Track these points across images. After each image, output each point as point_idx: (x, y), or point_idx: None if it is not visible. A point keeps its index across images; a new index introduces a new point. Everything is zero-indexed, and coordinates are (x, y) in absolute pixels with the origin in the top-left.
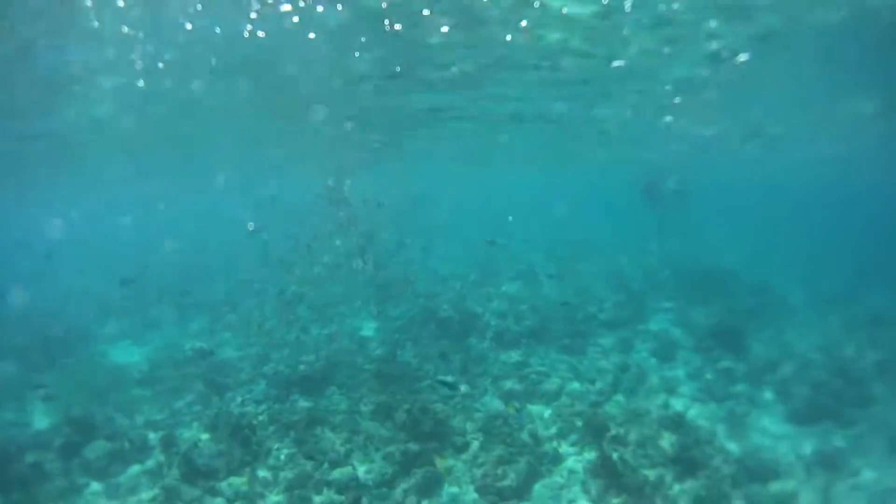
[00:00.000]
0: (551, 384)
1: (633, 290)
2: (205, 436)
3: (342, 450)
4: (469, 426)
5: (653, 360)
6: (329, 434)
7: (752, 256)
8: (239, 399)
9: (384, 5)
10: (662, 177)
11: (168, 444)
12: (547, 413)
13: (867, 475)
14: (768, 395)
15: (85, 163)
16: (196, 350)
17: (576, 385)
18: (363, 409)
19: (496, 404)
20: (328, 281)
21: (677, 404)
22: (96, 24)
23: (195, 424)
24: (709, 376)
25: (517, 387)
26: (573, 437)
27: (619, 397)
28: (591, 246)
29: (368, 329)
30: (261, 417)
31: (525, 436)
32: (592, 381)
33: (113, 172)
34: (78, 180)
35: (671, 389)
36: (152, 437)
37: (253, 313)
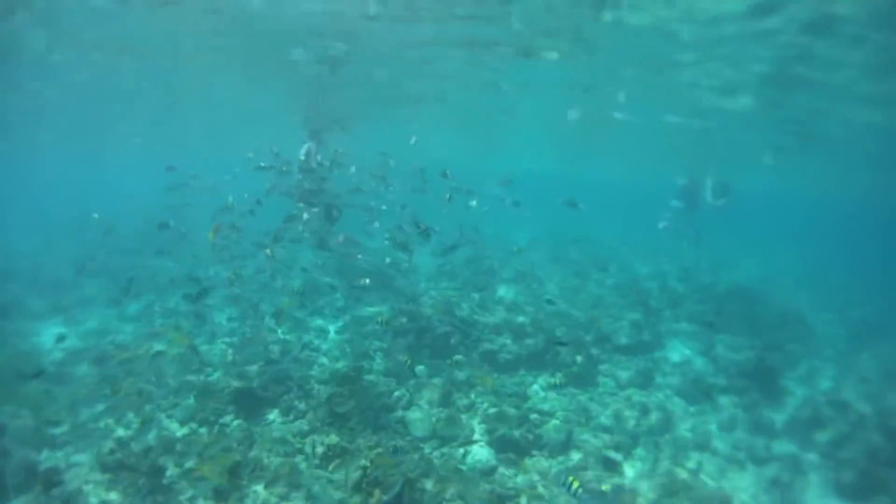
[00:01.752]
0: (556, 432)
1: (651, 307)
2: (96, 475)
3: None
4: (449, 491)
5: (677, 402)
6: (260, 490)
7: (770, 269)
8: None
9: None
10: (700, 178)
11: (49, 482)
12: (552, 473)
13: None
14: (813, 457)
15: None
16: (119, 346)
17: (586, 435)
18: (308, 449)
19: (485, 455)
20: (287, 270)
21: (711, 467)
22: None
23: (89, 457)
24: (744, 429)
25: (514, 432)
26: None
27: (641, 454)
28: (604, 249)
29: (331, 333)
30: (177, 447)
31: None
32: (608, 429)
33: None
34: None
35: (703, 445)
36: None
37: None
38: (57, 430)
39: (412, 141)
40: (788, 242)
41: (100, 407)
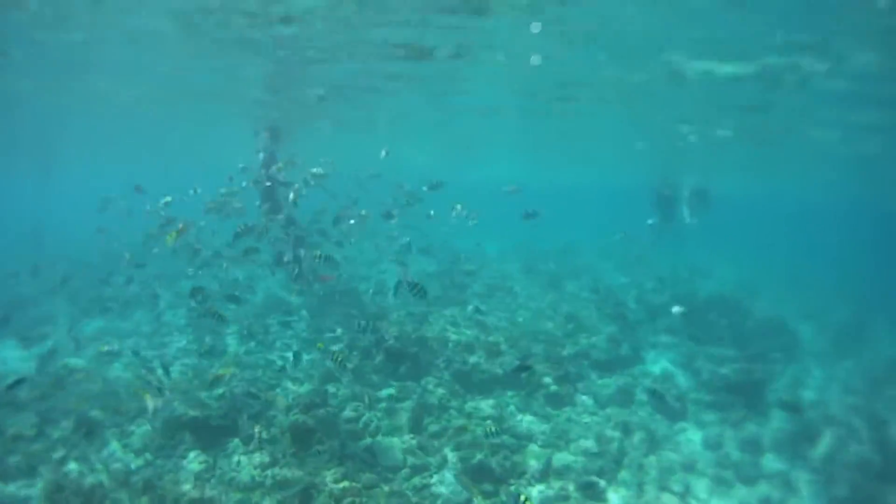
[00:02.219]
0: (534, 457)
1: (629, 320)
2: None
3: None
4: None
5: (659, 419)
6: None
7: (745, 275)
8: (109, 449)
9: None
10: (676, 182)
11: None
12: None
13: None
14: (803, 473)
15: None
16: (72, 369)
17: (567, 457)
18: (268, 482)
19: (456, 489)
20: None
21: (700, 489)
22: None
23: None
24: (732, 447)
25: (489, 459)
26: None
27: (626, 477)
28: (577, 258)
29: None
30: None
31: None
32: (589, 453)
33: None
34: None
35: (689, 466)
36: None
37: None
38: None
39: (383, 154)
40: (760, 246)
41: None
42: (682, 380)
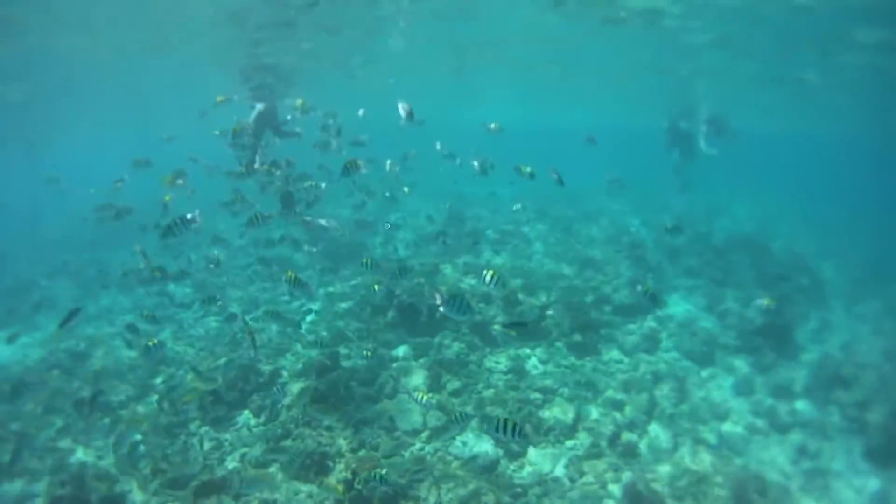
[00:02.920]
0: (561, 412)
1: (649, 263)
2: None
3: None
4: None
5: (687, 365)
6: None
7: (763, 214)
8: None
9: None
10: (692, 113)
11: None
12: (560, 468)
13: None
14: (837, 420)
15: None
16: (72, 354)
17: (595, 411)
18: (283, 457)
19: (484, 448)
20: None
21: (734, 439)
22: None
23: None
24: (763, 393)
25: (514, 417)
26: None
27: (657, 430)
28: (589, 198)
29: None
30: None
31: None
32: (618, 405)
33: None
34: None
35: (722, 414)
36: None
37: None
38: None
39: (360, 113)
40: (776, 184)
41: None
42: (707, 323)
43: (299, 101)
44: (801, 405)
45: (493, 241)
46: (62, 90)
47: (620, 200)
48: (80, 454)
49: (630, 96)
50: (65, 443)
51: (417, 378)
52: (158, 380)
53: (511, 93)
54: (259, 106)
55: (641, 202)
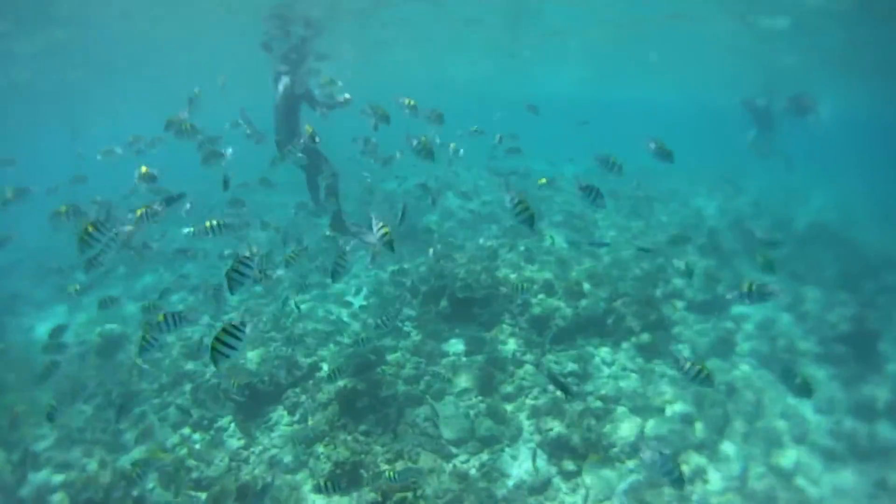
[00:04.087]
0: (624, 426)
1: (725, 252)
2: None
3: None
4: None
5: (765, 375)
6: None
7: (844, 202)
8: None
9: None
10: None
11: None
12: (621, 491)
13: None
14: None
15: None
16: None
17: (661, 426)
18: (314, 464)
19: (537, 464)
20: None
21: (811, 465)
22: None
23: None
24: (843, 411)
25: (571, 432)
26: None
27: (729, 451)
28: (662, 180)
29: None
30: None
31: None
32: (687, 419)
33: None
34: None
35: (799, 436)
36: None
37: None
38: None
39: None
40: (859, 170)
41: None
42: (787, 326)
43: (326, 78)
44: (883, 429)
45: (557, 224)
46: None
47: (695, 182)
48: None
49: (711, 73)
50: None
51: (466, 379)
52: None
53: (576, 66)
54: (286, 79)
55: (716, 184)
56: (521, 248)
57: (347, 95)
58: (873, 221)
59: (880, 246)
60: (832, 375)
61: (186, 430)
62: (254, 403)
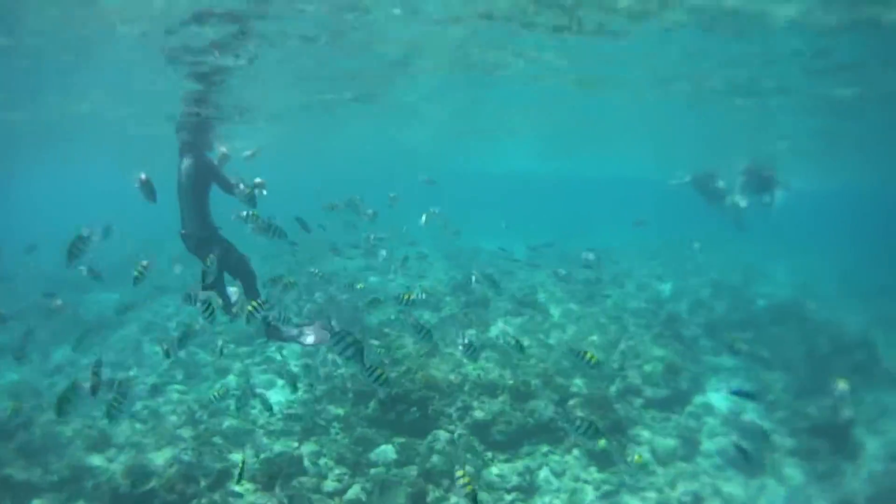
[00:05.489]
0: None
1: (685, 339)
2: None
3: None
4: None
5: (731, 476)
6: None
7: (804, 277)
8: None
9: None
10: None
11: None
12: None
13: None
14: None
15: None
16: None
17: None
18: None
19: None
20: None
21: None
22: None
23: None
24: None
25: None
26: None
27: None
28: (611, 262)
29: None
30: None
31: None
32: None
33: None
34: None
35: None
36: None
37: None
38: None
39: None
40: (815, 244)
41: None
42: (755, 418)
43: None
44: None
45: (504, 312)
46: None
47: (649, 263)
48: None
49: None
50: None
51: (399, 497)
52: None
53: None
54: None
55: (671, 263)
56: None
57: (250, 152)
58: (836, 295)
59: (844, 322)
60: (806, 471)
61: None
62: None
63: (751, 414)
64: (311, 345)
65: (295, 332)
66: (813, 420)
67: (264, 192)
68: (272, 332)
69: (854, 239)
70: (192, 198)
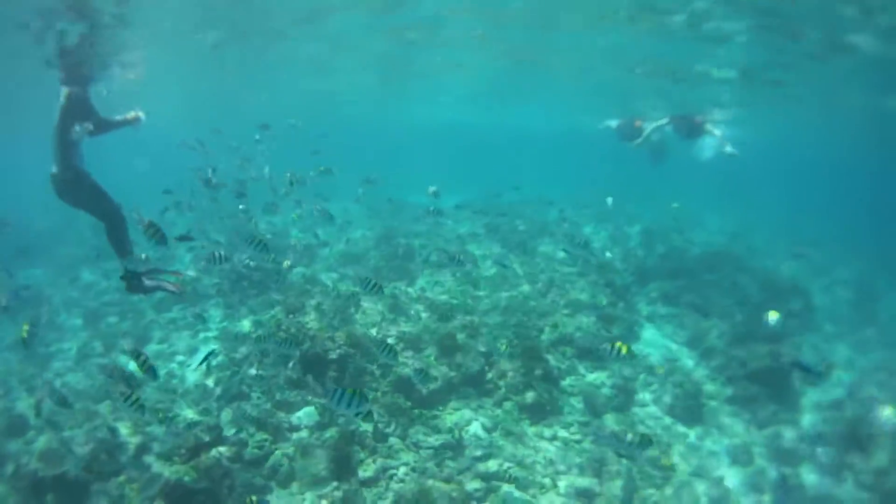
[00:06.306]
0: None
1: (617, 286)
2: None
3: None
4: None
5: (669, 423)
6: None
7: (737, 226)
8: None
9: None
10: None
11: None
12: None
13: None
14: (850, 488)
15: None
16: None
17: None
18: None
19: None
20: None
21: None
22: None
23: None
24: (764, 460)
25: None
26: None
27: None
28: (545, 210)
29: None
30: None
31: None
32: (586, 495)
33: None
34: None
35: (720, 499)
36: None
37: None
38: None
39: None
40: (748, 193)
41: None
42: (691, 364)
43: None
44: (807, 473)
45: (432, 264)
46: None
47: (581, 211)
48: None
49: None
50: None
51: (320, 460)
52: None
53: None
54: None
55: (604, 212)
56: (387, 293)
57: (137, 113)
58: (769, 245)
59: (777, 269)
60: (746, 421)
61: None
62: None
63: (688, 362)
64: (174, 291)
65: (156, 282)
66: (749, 366)
67: (141, 117)
68: (134, 286)
69: (790, 191)
70: (57, 133)
